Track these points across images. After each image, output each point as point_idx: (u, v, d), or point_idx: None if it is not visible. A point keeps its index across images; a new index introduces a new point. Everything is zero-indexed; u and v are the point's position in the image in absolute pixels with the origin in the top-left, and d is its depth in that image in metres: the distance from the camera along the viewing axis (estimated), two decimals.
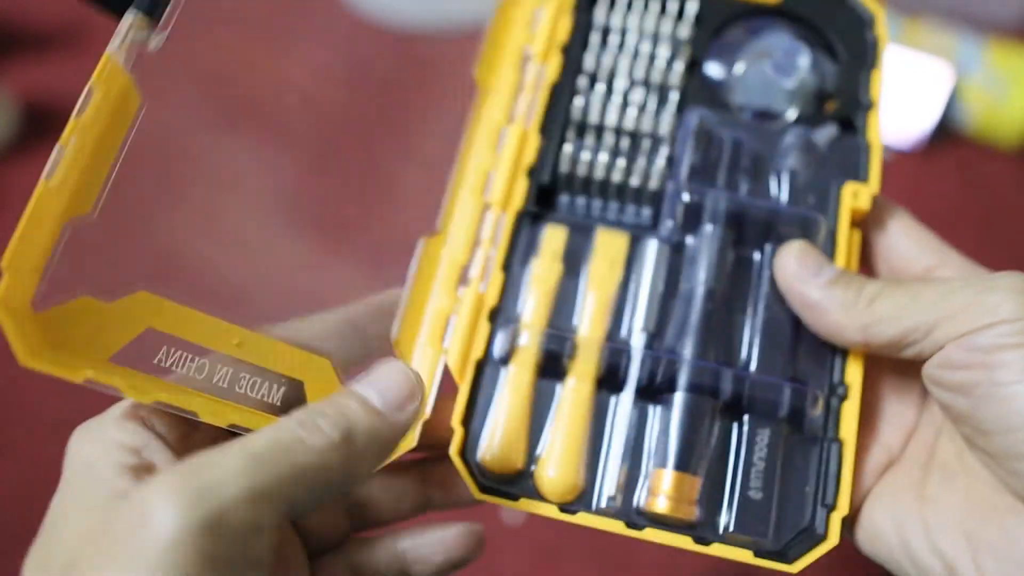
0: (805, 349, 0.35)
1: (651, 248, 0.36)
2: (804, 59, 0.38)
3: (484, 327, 0.35)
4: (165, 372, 0.29)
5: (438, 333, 0.35)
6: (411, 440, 0.33)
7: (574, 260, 0.37)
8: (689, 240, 0.37)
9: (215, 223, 0.34)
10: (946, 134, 0.71)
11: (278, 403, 0.32)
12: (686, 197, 0.36)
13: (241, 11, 0.38)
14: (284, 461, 0.24)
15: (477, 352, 0.35)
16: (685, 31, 0.40)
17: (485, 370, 0.35)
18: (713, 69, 0.40)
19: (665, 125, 0.38)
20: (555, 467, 0.33)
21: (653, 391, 0.34)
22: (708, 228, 0.36)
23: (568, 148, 0.38)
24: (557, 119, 0.38)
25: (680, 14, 0.40)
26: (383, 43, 0.40)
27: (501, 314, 0.36)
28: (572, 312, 0.36)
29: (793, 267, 0.34)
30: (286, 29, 0.39)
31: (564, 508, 0.33)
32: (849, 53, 0.40)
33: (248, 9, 0.38)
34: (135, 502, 0.23)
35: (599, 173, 0.38)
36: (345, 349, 0.34)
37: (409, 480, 0.36)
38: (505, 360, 0.35)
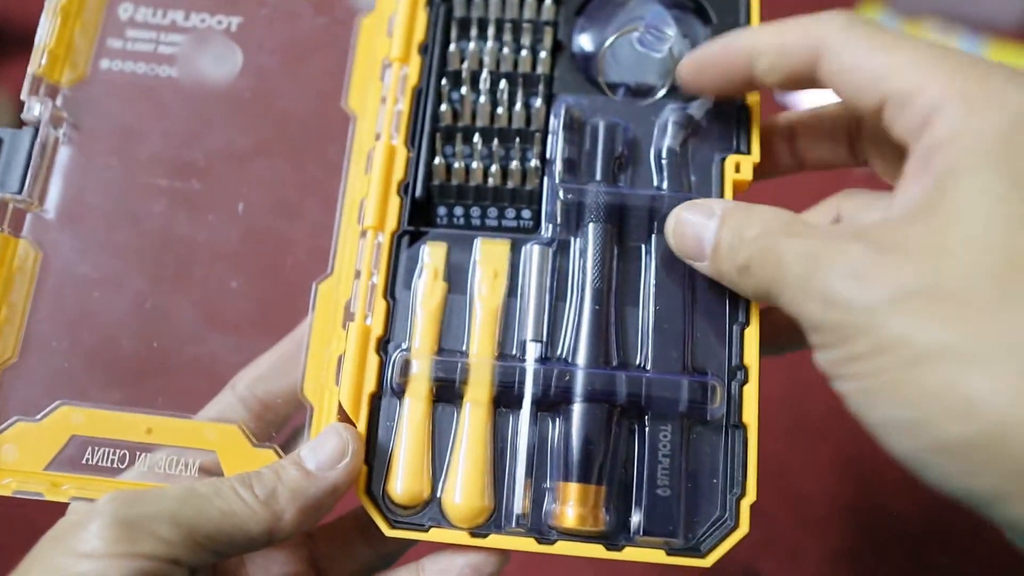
0: (700, 337, 0.34)
1: (533, 253, 0.35)
2: (670, 27, 0.36)
3: (374, 360, 0.34)
4: (94, 469, 0.34)
5: (333, 374, 0.34)
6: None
7: (458, 275, 0.36)
8: (572, 239, 0.35)
9: (121, 327, 0.36)
10: None
11: (195, 475, 0.34)
12: (562, 195, 0.35)
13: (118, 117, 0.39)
14: (208, 504, 0.29)
15: (370, 386, 0.34)
16: (547, 13, 0.38)
17: (381, 403, 0.34)
18: (580, 49, 0.38)
19: (537, 119, 0.37)
20: (460, 493, 0.33)
21: (550, 404, 0.33)
22: (589, 226, 0.35)
23: (438, 160, 0.36)
24: (424, 128, 0.37)
25: None
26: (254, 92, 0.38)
27: (391, 343, 0.34)
28: (462, 330, 0.35)
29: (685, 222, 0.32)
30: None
31: (474, 532, 0.33)
32: (720, 13, 0.38)
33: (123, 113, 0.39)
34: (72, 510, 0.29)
35: (474, 179, 0.36)
36: (253, 411, 0.35)
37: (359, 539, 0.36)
38: (399, 391, 0.34)
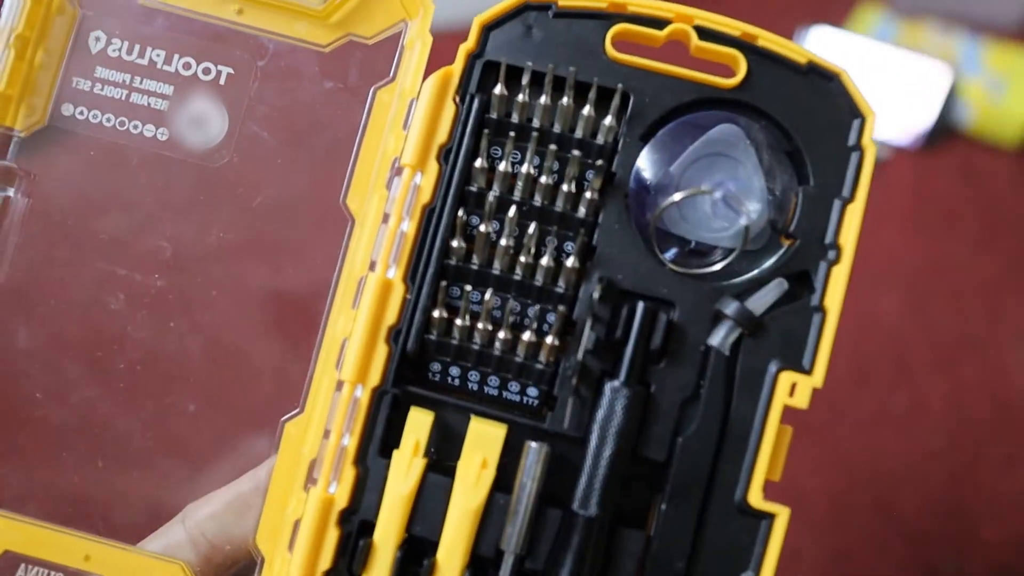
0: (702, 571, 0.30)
1: (532, 453, 0.30)
2: (756, 204, 0.29)
3: (332, 534, 0.30)
4: None
5: (288, 532, 0.31)
6: None
7: (442, 452, 0.31)
8: (580, 438, 0.30)
9: (65, 437, 0.32)
10: (945, 134, 0.71)
11: None
12: (575, 386, 0.30)
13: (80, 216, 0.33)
14: None
15: (324, 563, 0.30)
16: (605, 134, 0.30)
17: None
18: (637, 187, 0.31)
19: (566, 279, 0.30)
20: None
21: None
22: (601, 436, 0.29)
23: (438, 312, 0.30)
24: (429, 263, 0.30)
25: (601, 105, 0.30)
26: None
27: (355, 515, 0.31)
28: (437, 513, 0.30)
29: None
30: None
31: None
32: (820, 170, 0.30)
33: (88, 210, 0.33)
34: None
35: (479, 340, 0.30)
36: (201, 552, 0.32)
37: None
38: (356, 575, 0.30)
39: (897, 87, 0.69)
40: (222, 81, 0.32)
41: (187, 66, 0.32)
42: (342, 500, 0.30)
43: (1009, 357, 0.71)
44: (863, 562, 0.68)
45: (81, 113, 0.32)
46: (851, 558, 0.68)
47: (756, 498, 0.29)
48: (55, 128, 0.32)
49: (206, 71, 0.32)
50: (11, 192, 0.32)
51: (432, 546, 0.30)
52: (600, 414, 0.30)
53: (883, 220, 0.71)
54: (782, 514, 0.29)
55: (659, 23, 0.31)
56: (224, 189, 0.32)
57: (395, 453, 0.30)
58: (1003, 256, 0.66)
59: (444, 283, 0.30)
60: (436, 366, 0.31)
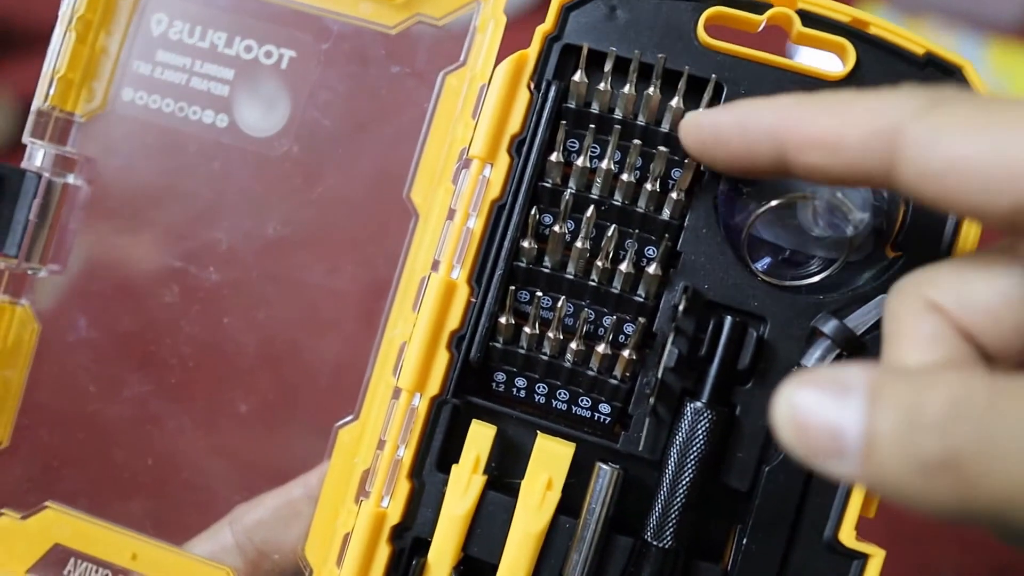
0: None
1: (602, 476, 0.27)
2: (861, 215, 0.26)
3: (384, 551, 0.28)
4: None
5: (336, 553, 0.29)
6: None
7: (503, 469, 0.29)
8: (656, 460, 0.28)
9: (116, 434, 0.32)
10: None
11: None
12: (660, 412, 0.27)
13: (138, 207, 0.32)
14: None
15: None
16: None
17: None
18: (727, 193, 0.28)
19: (647, 286, 0.28)
20: None
21: None
22: (680, 461, 0.27)
23: (506, 318, 0.28)
24: (497, 265, 0.28)
25: (690, 95, 0.27)
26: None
27: (409, 531, 0.29)
28: (496, 535, 0.28)
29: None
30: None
31: None
32: (914, 245, 0.27)
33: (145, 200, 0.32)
34: None
35: (548, 350, 0.28)
36: (249, 559, 0.31)
37: None
38: None
39: None
40: (284, 65, 0.30)
41: (248, 49, 0.30)
42: (395, 515, 0.28)
43: None
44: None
45: (141, 98, 0.31)
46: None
47: (848, 536, 0.26)
48: (115, 113, 0.31)
49: (268, 54, 0.30)
50: (71, 179, 0.31)
51: (490, 569, 0.28)
52: (679, 437, 0.27)
53: None
54: (877, 556, 0.26)
55: (758, 7, 0.28)
56: (283, 180, 0.30)
57: (454, 468, 0.28)
58: None
59: (513, 287, 0.28)
60: (501, 376, 0.29)
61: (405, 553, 0.28)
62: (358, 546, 0.28)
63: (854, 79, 0.27)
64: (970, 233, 0.27)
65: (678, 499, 0.27)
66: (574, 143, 0.28)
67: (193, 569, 0.30)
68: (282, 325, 0.30)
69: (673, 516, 0.27)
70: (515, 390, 0.29)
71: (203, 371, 0.31)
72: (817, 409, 0.20)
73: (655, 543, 0.27)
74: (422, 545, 0.29)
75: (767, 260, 0.28)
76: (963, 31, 0.72)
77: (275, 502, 0.31)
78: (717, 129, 0.24)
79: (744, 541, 0.27)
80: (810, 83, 0.27)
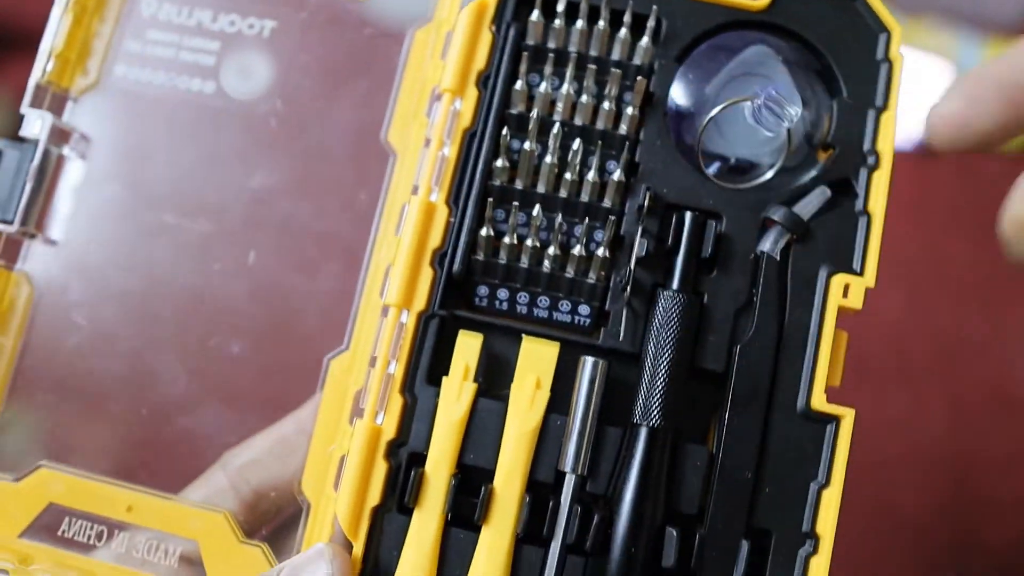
0: (770, 492, 0.28)
1: (587, 367, 0.29)
2: (796, 107, 0.29)
3: (381, 467, 0.29)
4: (69, 543, 0.30)
5: (334, 474, 0.30)
6: None
7: (493, 373, 0.30)
8: (636, 352, 0.29)
9: (111, 388, 0.32)
10: None
11: (175, 564, 0.30)
12: (635, 305, 0.29)
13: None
14: None
15: (373, 498, 0.29)
16: (642, 56, 0.31)
17: (385, 518, 0.29)
18: (676, 108, 0.31)
19: (612, 194, 0.30)
20: None
21: (583, 549, 0.28)
22: (656, 341, 0.29)
23: (485, 230, 0.30)
24: (473, 186, 0.30)
25: (635, 29, 0.31)
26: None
27: (404, 447, 0.29)
28: (490, 443, 0.29)
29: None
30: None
31: None
32: (852, 84, 0.31)
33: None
34: None
35: (526, 259, 0.30)
36: (244, 500, 0.31)
37: None
38: (408, 508, 0.29)
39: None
40: (266, 34, 0.33)
41: (232, 23, 0.33)
42: (390, 431, 0.29)
43: (1010, 357, 0.69)
44: (863, 562, 0.66)
45: (132, 73, 0.33)
46: (850, 558, 0.66)
47: (819, 401, 0.28)
48: (108, 88, 0.33)
49: (250, 26, 0.33)
50: (66, 150, 0.33)
51: (487, 475, 0.29)
52: (656, 322, 0.29)
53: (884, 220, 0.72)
54: (847, 416, 0.28)
55: None
56: (268, 135, 0.33)
57: (444, 380, 0.29)
58: (1002, 258, 0.67)
59: (490, 199, 0.30)
60: (483, 290, 0.30)
61: (402, 468, 0.29)
62: (354, 464, 0.29)
63: (775, 9, 0.31)
64: (889, 126, 0.30)
65: (660, 379, 0.28)
66: (535, 78, 0.31)
67: (188, 516, 0.30)
68: (271, 268, 0.32)
69: (657, 396, 0.28)
70: (497, 302, 0.31)
71: (196, 319, 0.32)
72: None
73: (643, 423, 0.28)
74: (418, 459, 0.29)
75: (717, 165, 0.31)
76: (963, 31, 0.72)
77: (267, 441, 0.31)
78: (982, 84, 0.25)
79: (726, 418, 0.29)
80: (736, 13, 0.31)
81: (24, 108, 0.32)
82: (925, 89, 0.68)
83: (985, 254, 0.67)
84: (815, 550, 0.28)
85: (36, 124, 0.32)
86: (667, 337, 0.29)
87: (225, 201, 0.32)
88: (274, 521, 0.31)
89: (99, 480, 0.31)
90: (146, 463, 0.31)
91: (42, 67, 0.32)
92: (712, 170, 0.31)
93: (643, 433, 0.28)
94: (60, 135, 0.33)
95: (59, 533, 0.30)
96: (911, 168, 0.71)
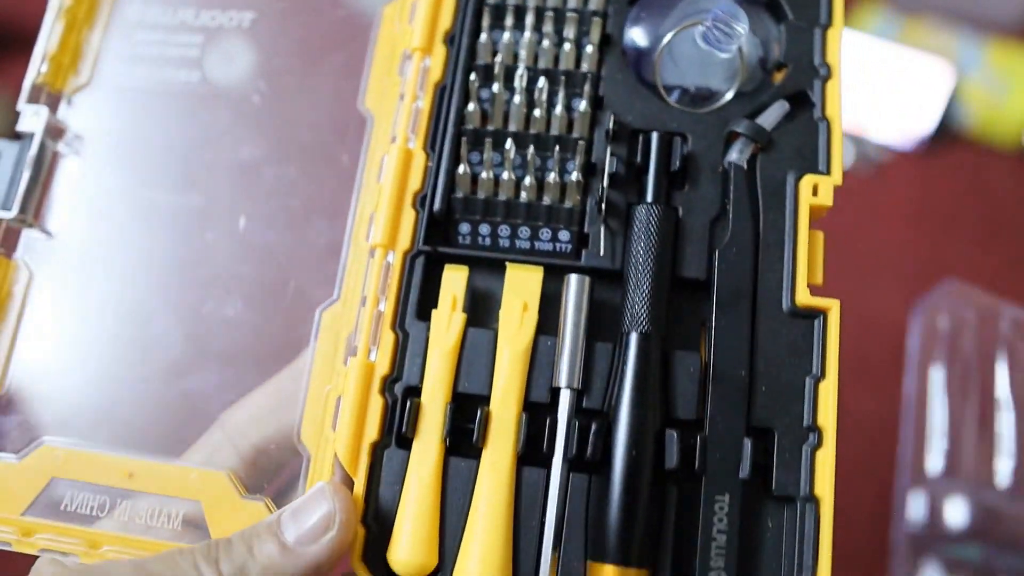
0: (766, 391, 0.29)
1: (572, 283, 0.30)
2: (741, 22, 0.31)
3: (377, 402, 0.29)
4: (72, 516, 0.30)
5: (332, 417, 0.30)
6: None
7: (481, 305, 0.30)
8: (618, 268, 0.30)
9: (110, 359, 0.33)
10: (946, 134, 0.72)
11: (179, 527, 0.30)
12: (612, 225, 0.30)
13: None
14: None
15: (371, 434, 0.29)
16: (596, 2, 0.33)
17: (384, 454, 0.29)
18: (632, 45, 0.33)
19: (580, 125, 0.32)
20: (477, 564, 0.27)
21: (585, 464, 0.28)
22: (637, 252, 0.29)
23: (462, 169, 0.31)
24: (447, 130, 0.32)
25: None
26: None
27: (399, 382, 0.30)
28: (484, 371, 0.29)
29: None
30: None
31: None
32: (795, 8, 0.33)
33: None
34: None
35: (504, 192, 0.31)
36: (245, 457, 0.31)
37: None
38: (407, 441, 0.29)
39: (899, 88, 0.69)
40: (246, 25, 0.35)
41: (213, 18, 0.35)
42: (383, 366, 0.30)
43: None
44: (862, 563, 0.64)
45: (122, 71, 0.35)
46: (850, 558, 0.64)
47: (804, 296, 0.29)
48: (99, 86, 0.35)
49: (231, 19, 0.35)
50: (61, 146, 0.34)
51: (483, 400, 0.29)
52: (634, 234, 0.30)
53: (884, 221, 0.72)
54: (833, 307, 0.29)
55: None
56: (253, 112, 0.34)
57: (434, 312, 0.30)
58: (1003, 256, 0.67)
59: (464, 140, 0.31)
60: (465, 227, 0.31)
61: (398, 402, 0.29)
62: (350, 401, 0.29)
63: None
64: (835, 40, 0.32)
65: (644, 286, 0.29)
66: (498, 34, 0.33)
67: (189, 478, 0.30)
68: (261, 232, 0.33)
69: (643, 303, 0.29)
70: (480, 238, 0.31)
71: (190, 286, 0.32)
72: None
73: (633, 330, 0.29)
74: (414, 393, 0.29)
75: (678, 93, 0.32)
76: (963, 31, 0.73)
77: (263, 396, 0.31)
78: None
79: (713, 323, 0.29)
80: None
81: (21, 105, 0.34)
82: (925, 89, 0.70)
83: (984, 253, 0.68)
84: (820, 443, 0.28)
85: (32, 119, 0.34)
86: (647, 246, 0.29)
87: (214, 175, 0.34)
88: (276, 476, 0.31)
89: (100, 451, 0.31)
90: (146, 429, 0.31)
91: (36, 69, 0.34)
92: (674, 98, 0.32)
93: (633, 339, 0.29)
94: (56, 132, 0.34)
95: (62, 508, 0.30)
96: (912, 169, 0.72)
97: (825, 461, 0.27)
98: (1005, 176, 0.73)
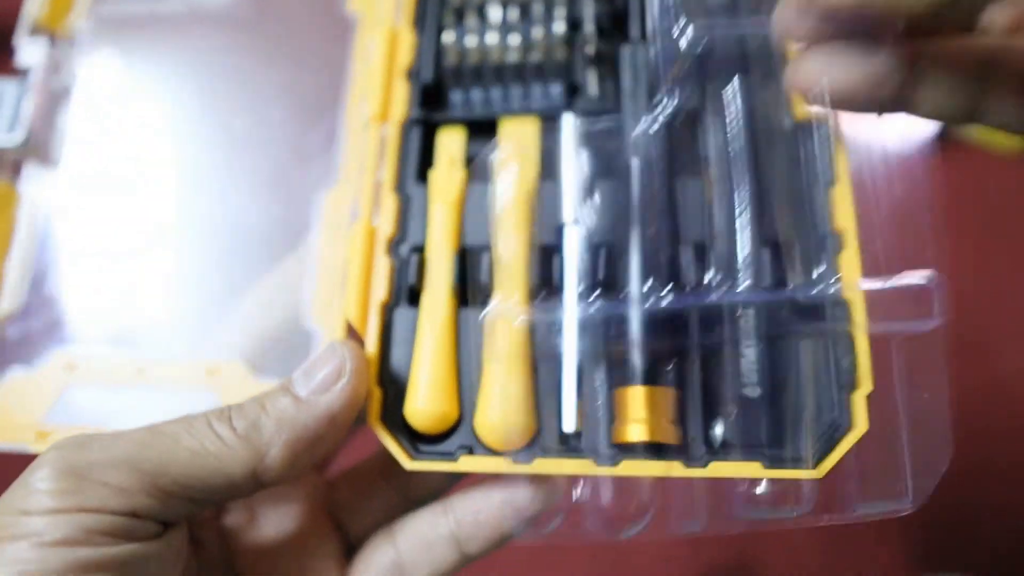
0: (778, 203, 0.28)
1: (567, 123, 0.29)
2: None
3: (384, 263, 0.29)
4: (87, 418, 0.30)
5: (339, 292, 0.29)
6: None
7: (479, 162, 0.30)
8: (611, 108, 0.30)
9: (118, 267, 0.33)
10: (947, 138, 0.70)
11: None
12: (603, 71, 0.30)
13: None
14: (174, 444, 0.24)
15: (380, 295, 0.28)
16: None
17: (394, 313, 0.28)
18: None
19: None
20: (497, 410, 0.26)
21: (600, 291, 0.27)
22: (630, 89, 0.29)
23: (449, 36, 0.31)
24: (431, 8, 0.32)
25: None
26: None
27: (403, 243, 0.29)
28: (486, 223, 0.29)
29: None
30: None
31: (516, 458, 0.26)
32: None
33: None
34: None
35: (492, 57, 0.31)
36: (256, 343, 0.30)
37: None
38: (416, 295, 0.28)
39: None
40: None
41: None
42: (387, 227, 0.29)
43: (1010, 359, 0.67)
44: (862, 564, 0.61)
45: (116, 12, 0.36)
46: (850, 559, 0.62)
47: (802, 112, 0.28)
48: (96, 25, 0.36)
49: None
50: (60, 82, 0.35)
51: (487, 251, 0.28)
52: (623, 72, 0.29)
53: (884, 222, 0.72)
54: (833, 115, 0.28)
55: None
56: (239, 27, 0.35)
57: (431, 172, 0.30)
58: (1004, 261, 0.66)
59: (451, 12, 0.31)
60: (457, 96, 0.31)
61: (405, 263, 0.29)
62: (357, 265, 0.29)
63: None
64: None
65: (639, 117, 0.28)
66: None
67: (202, 370, 0.30)
68: (254, 132, 0.33)
69: (641, 132, 0.28)
70: (472, 106, 0.31)
71: (197, 187, 0.33)
72: None
73: (634, 155, 0.28)
74: (419, 252, 0.29)
75: None
76: None
77: (269, 285, 0.31)
78: None
79: (712, 150, 0.28)
80: None
81: (20, 39, 0.35)
82: None
83: (985, 259, 0.67)
84: (841, 246, 0.27)
85: (33, 54, 0.34)
86: (635, 82, 0.29)
87: (209, 89, 0.34)
88: (289, 358, 0.30)
89: (111, 353, 0.30)
90: (159, 331, 0.31)
91: (34, 10, 0.35)
92: None
93: (635, 165, 0.28)
94: (55, 68, 0.35)
95: (78, 412, 0.30)
96: (912, 172, 0.72)
97: (850, 262, 0.26)
98: (1005, 180, 0.72)
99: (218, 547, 0.29)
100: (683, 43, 0.28)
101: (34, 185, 0.34)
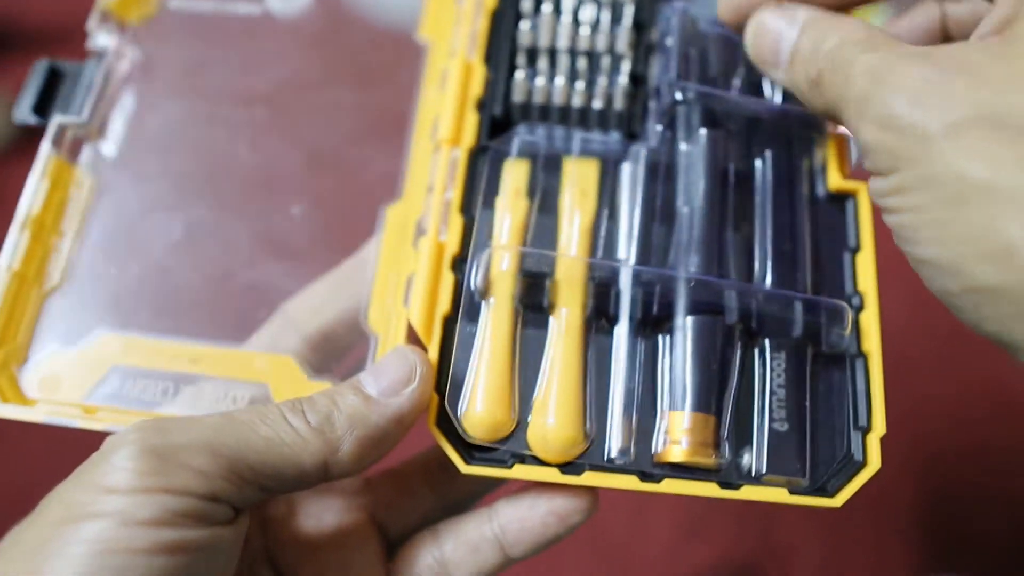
0: (811, 264, 0.31)
1: (626, 171, 0.32)
2: None
3: (448, 278, 0.31)
4: (134, 402, 0.31)
5: (402, 296, 0.31)
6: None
7: (541, 195, 0.33)
8: (675, 151, 0.33)
9: (173, 255, 0.34)
10: None
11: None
12: (678, 95, 0.33)
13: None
14: (251, 432, 0.25)
15: (443, 307, 0.30)
16: None
17: (456, 326, 0.30)
18: None
19: (622, 41, 0.35)
20: (551, 422, 0.29)
21: (652, 320, 0.30)
22: (701, 133, 0.32)
23: (520, 75, 0.34)
24: (503, 46, 0.34)
25: None
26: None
27: (467, 262, 0.31)
28: (546, 250, 0.31)
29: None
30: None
31: (566, 469, 0.28)
32: None
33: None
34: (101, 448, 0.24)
35: (557, 99, 0.34)
36: (311, 341, 0.32)
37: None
38: (481, 297, 0.30)
39: None
40: None
41: None
42: (453, 245, 0.31)
43: (1011, 358, 0.73)
44: (861, 562, 0.65)
45: (186, 4, 0.37)
46: (849, 557, 0.66)
47: (836, 182, 0.32)
48: (164, 18, 0.37)
49: None
50: (126, 69, 0.36)
51: (548, 277, 0.31)
52: (679, 128, 0.32)
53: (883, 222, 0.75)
54: (862, 189, 0.32)
55: None
56: (312, 39, 0.37)
57: (497, 199, 0.32)
58: None
59: (521, 53, 0.34)
60: (522, 130, 0.34)
61: (467, 274, 0.31)
62: (423, 278, 0.30)
63: None
64: None
65: (693, 174, 0.32)
66: None
67: (254, 362, 0.31)
68: (324, 141, 0.35)
69: (693, 187, 0.31)
70: (537, 141, 0.34)
71: (255, 188, 0.34)
72: (772, 29, 0.28)
73: (685, 207, 0.31)
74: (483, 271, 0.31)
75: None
76: None
77: (325, 287, 0.32)
78: None
79: (757, 207, 0.32)
80: None
81: (90, 26, 0.35)
82: None
83: None
84: (862, 305, 0.30)
85: (103, 39, 0.35)
86: (694, 137, 0.32)
87: (276, 92, 0.35)
88: (343, 358, 0.32)
89: (162, 341, 0.31)
90: (210, 318, 0.32)
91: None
92: None
93: (685, 214, 0.31)
94: (121, 54, 0.36)
95: (123, 394, 0.30)
96: None
97: (870, 321, 0.30)
98: None
99: (260, 537, 0.30)
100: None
101: (91, 165, 0.34)
